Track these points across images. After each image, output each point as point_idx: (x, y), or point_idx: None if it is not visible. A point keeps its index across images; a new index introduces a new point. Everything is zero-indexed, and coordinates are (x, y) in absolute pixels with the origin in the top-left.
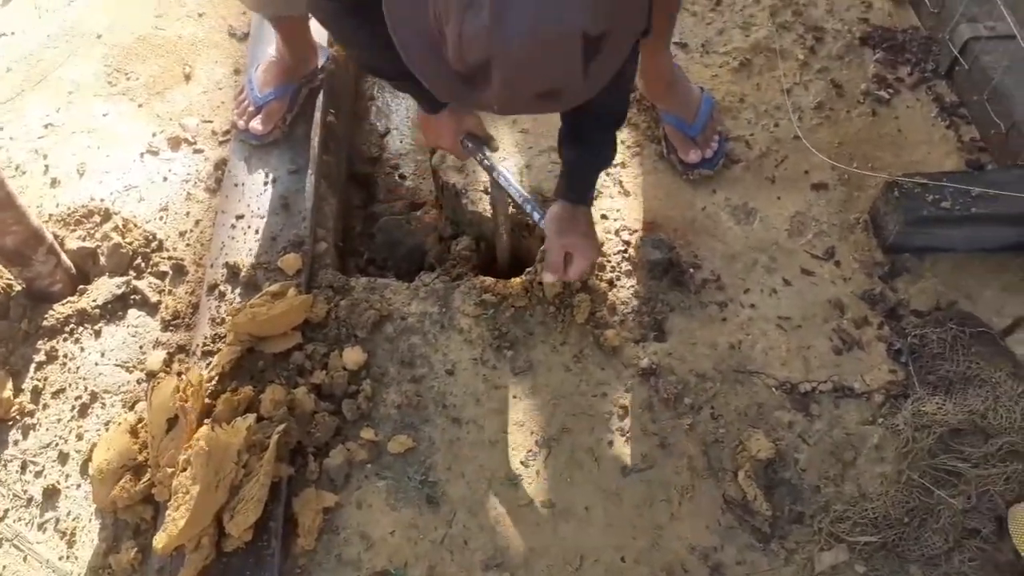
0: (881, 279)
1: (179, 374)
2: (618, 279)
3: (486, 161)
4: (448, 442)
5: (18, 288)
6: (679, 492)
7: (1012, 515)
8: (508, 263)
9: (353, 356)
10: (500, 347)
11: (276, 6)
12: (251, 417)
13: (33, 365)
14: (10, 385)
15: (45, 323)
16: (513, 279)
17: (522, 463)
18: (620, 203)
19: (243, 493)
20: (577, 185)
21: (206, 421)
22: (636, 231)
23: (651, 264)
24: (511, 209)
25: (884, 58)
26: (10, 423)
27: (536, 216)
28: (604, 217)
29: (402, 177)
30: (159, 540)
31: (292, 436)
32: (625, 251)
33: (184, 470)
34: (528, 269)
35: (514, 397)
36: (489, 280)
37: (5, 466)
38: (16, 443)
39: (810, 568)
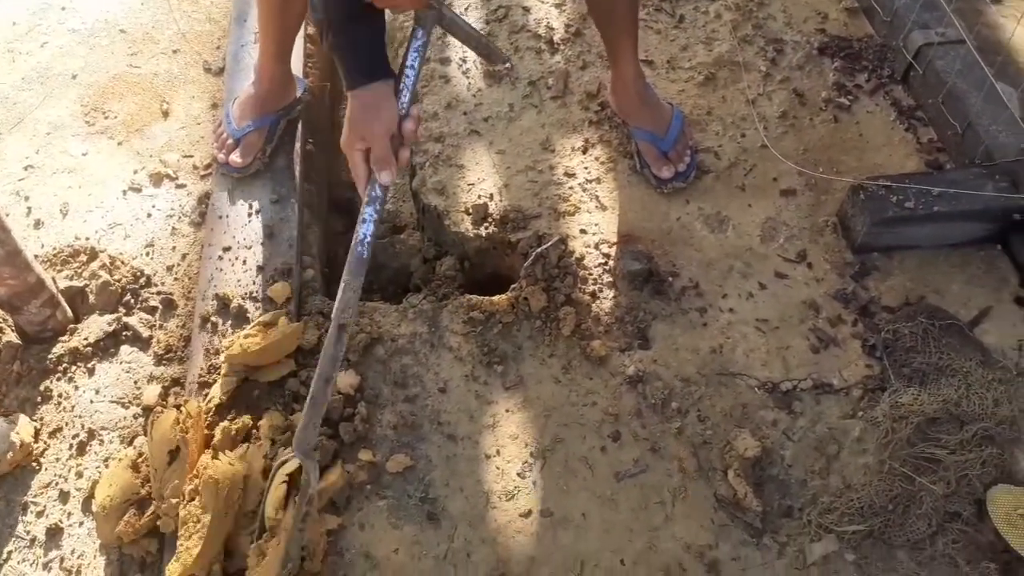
0: (852, 278)
1: (177, 407)
2: (600, 291)
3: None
4: (445, 459)
5: (8, 331)
6: (672, 494)
7: (990, 497)
8: None
9: (347, 380)
10: (490, 363)
11: None
12: (265, 445)
13: (28, 406)
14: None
15: (37, 364)
16: (499, 296)
17: (518, 475)
18: (598, 217)
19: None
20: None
21: (206, 451)
22: (615, 244)
23: (631, 275)
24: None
25: (842, 66)
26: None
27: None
28: (583, 232)
29: None
30: (173, 570)
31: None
32: (605, 263)
33: (191, 500)
34: (513, 285)
35: (506, 411)
36: (476, 298)
37: (7, 508)
38: (16, 485)
39: (802, 559)
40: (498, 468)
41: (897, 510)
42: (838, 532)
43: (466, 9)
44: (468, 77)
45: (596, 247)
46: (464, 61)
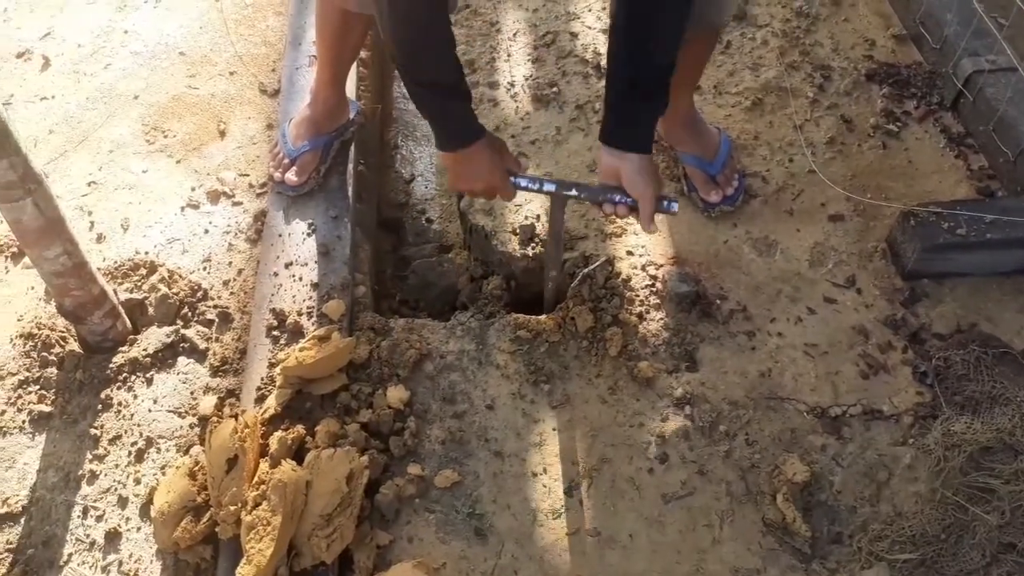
0: (902, 304)
1: (235, 416)
2: (647, 312)
3: (546, 186)
4: (492, 475)
5: (72, 341)
6: (719, 517)
7: None
8: (555, 299)
9: (397, 394)
10: (537, 381)
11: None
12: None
13: (90, 413)
14: None
15: (99, 373)
16: (545, 315)
17: (565, 493)
18: (645, 239)
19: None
20: (639, 134)
21: (262, 460)
22: (662, 266)
23: (679, 297)
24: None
25: (891, 93)
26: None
27: (621, 199)
28: (630, 253)
29: (429, 221)
30: (246, 572)
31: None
32: (652, 285)
33: (257, 505)
34: (560, 305)
35: (553, 430)
36: (523, 317)
37: (67, 511)
38: (77, 489)
39: None
40: (545, 486)
41: (950, 539)
42: (889, 560)
43: (514, 35)
44: (516, 101)
45: (643, 269)
46: (512, 85)
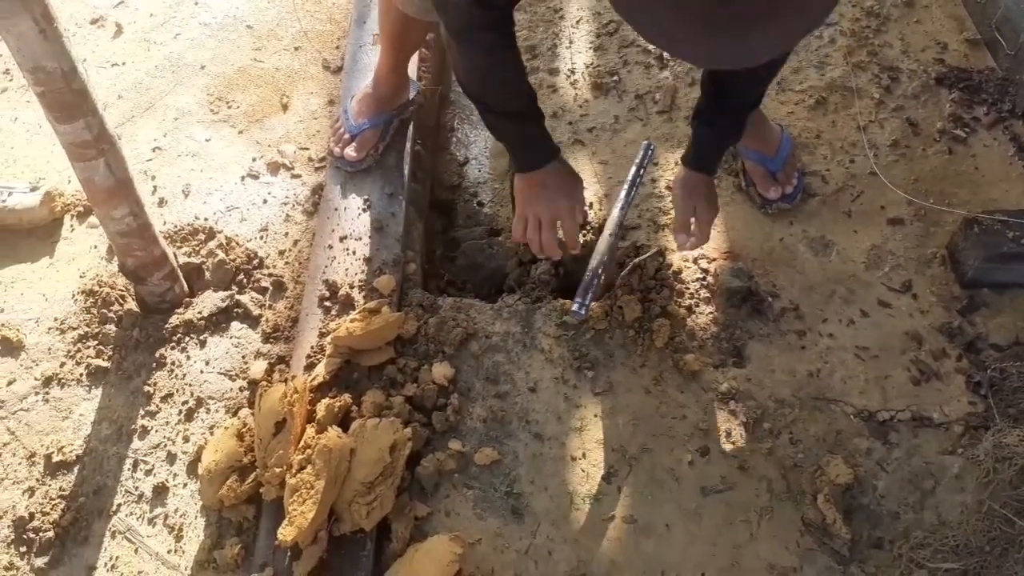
0: (959, 312)
1: (284, 381)
2: (697, 306)
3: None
4: (531, 456)
5: (130, 300)
6: (758, 513)
7: None
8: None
9: (442, 371)
10: (581, 367)
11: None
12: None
13: (144, 371)
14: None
15: (155, 332)
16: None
17: (603, 479)
18: None
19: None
20: (705, 157)
21: (309, 425)
22: (714, 260)
23: (730, 292)
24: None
25: (960, 98)
26: None
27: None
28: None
29: (480, 204)
30: (287, 533)
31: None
32: (703, 279)
33: (302, 468)
34: (608, 293)
35: (595, 416)
36: (569, 303)
37: (119, 463)
38: (129, 443)
39: None
40: (583, 471)
41: (995, 552)
42: (930, 568)
43: (577, 23)
44: (576, 88)
45: (694, 261)
46: (572, 72)
